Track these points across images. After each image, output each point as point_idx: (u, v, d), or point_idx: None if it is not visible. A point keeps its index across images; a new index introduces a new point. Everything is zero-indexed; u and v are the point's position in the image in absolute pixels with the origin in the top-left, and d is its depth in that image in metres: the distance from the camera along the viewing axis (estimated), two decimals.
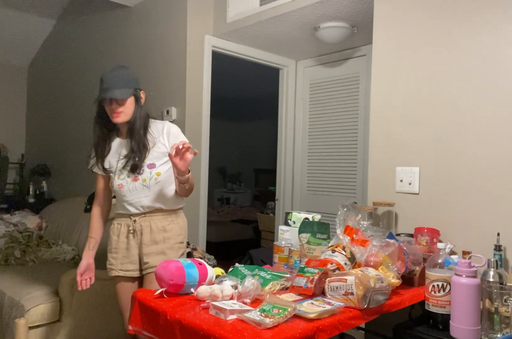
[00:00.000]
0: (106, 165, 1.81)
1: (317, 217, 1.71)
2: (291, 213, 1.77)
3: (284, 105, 3.53)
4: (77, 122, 4.09)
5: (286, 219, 1.79)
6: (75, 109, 4.13)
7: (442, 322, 1.29)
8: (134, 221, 1.80)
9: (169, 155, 1.59)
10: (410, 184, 1.86)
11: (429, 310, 1.32)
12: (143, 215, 1.80)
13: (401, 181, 1.89)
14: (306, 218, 1.69)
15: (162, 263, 1.31)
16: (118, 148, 1.81)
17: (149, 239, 1.78)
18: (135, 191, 1.77)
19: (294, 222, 1.74)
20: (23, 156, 4.92)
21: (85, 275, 1.91)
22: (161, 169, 1.78)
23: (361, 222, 1.49)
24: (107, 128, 1.81)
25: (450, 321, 1.24)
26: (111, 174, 1.82)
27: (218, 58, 3.13)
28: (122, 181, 1.79)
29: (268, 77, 3.98)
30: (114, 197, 1.94)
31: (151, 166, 1.76)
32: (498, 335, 1.19)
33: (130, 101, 1.74)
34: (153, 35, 3.17)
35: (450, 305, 1.25)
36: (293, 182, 3.54)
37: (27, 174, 4.75)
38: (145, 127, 1.77)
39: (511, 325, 1.20)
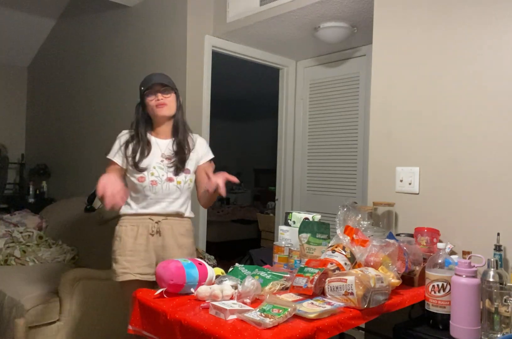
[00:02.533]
0: (144, 164, 1.77)
1: (317, 217, 1.71)
2: (291, 213, 1.77)
3: (284, 105, 3.53)
4: (77, 122, 4.09)
5: (286, 219, 1.79)
6: (75, 109, 4.13)
7: (442, 322, 1.29)
8: (157, 222, 1.77)
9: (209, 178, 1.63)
10: (410, 184, 1.86)
11: (429, 310, 1.32)
12: (165, 218, 1.78)
13: (401, 181, 1.89)
14: (306, 218, 1.69)
15: (162, 263, 1.31)
16: (156, 147, 1.82)
17: (172, 243, 1.77)
18: (167, 191, 1.77)
19: (294, 222, 1.74)
20: (23, 156, 4.92)
21: (111, 189, 1.46)
22: (192, 176, 1.84)
23: (361, 222, 1.49)
24: (147, 127, 1.84)
25: (450, 321, 1.24)
26: (143, 172, 1.77)
27: (218, 58, 3.13)
28: (157, 179, 1.77)
29: (268, 77, 3.98)
30: None
31: (187, 171, 1.81)
32: (498, 335, 1.19)
33: (173, 98, 1.81)
34: (153, 35, 3.17)
35: (450, 305, 1.25)
36: (293, 182, 3.54)
37: (27, 174, 4.75)
38: (186, 131, 1.85)
39: (511, 325, 1.20)
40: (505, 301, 1.20)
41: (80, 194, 3.72)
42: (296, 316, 1.08)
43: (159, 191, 1.76)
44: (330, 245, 1.43)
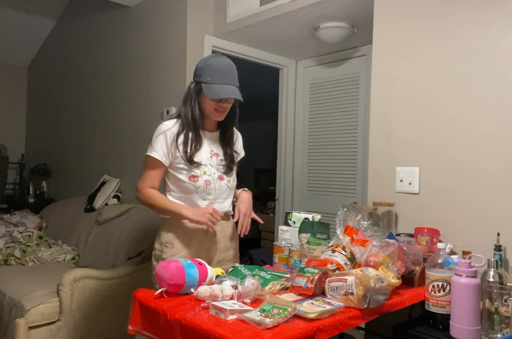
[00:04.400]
0: (197, 159, 1.63)
1: (317, 217, 1.71)
2: (291, 213, 1.77)
3: (284, 105, 3.53)
4: (77, 122, 4.09)
5: (286, 219, 1.79)
6: (75, 108, 4.13)
7: (442, 322, 1.29)
8: None
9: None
10: (410, 184, 1.86)
11: (429, 310, 1.32)
12: None
13: (401, 181, 1.89)
14: (306, 218, 1.69)
15: (162, 263, 1.31)
16: (206, 141, 1.69)
17: (223, 245, 1.73)
18: (219, 191, 1.68)
19: (294, 222, 1.74)
20: (23, 156, 4.91)
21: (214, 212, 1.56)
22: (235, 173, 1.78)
23: (361, 222, 1.49)
24: (198, 120, 1.64)
25: (450, 321, 1.24)
26: (192, 168, 1.62)
27: None
28: (209, 178, 1.65)
29: (268, 77, 3.98)
30: None
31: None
32: (498, 335, 1.19)
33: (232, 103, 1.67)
34: (153, 35, 3.17)
35: (450, 305, 1.25)
36: (293, 182, 3.54)
37: (27, 174, 4.75)
38: (235, 129, 1.79)
39: (511, 325, 1.20)
40: (505, 301, 1.20)
41: (80, 194, 3.72)
42: (296, 316, 1.08)
43: (212, 191, 1.65)
44: (330, 245, 1.43)
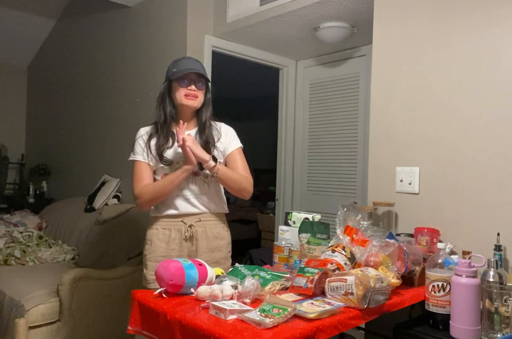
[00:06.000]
0: (168, 156, 1.68)
1: (317, 217, 1.71)
2: (291, 213, 1.77)
3: (284, 105, 3.53)
4: (77, 122, 4.09)
5: (286, 219, 1.78)
6: (75, 109, 4.13)
7: (442, 322, 1.29)
8: (190, 226, 1.69)
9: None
10: (410, 184, 1.86)
11: (429, 310, 1.32)
12: (198, 220, 1.71)
13: (401, 181, 1.89)
14: (306, 218, 1.69)
15: (162, 263, 1.31)
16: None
17: (205, 247, 1.71)
18: (194, 186, 1.69)
19: (294, 222, 1.74)
20: (23, 156, 4.91)
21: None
22: None
23: (361, 222, 1.49)
24: (171, 116, 1.72)
25: (450, 321, 1.24)
26: (164, 167, 1.68)
27: (218, 58, 3.13)
28: None
29: (268, 77, 3.98)
30: None
31: None
32: (498, 335, 1.19)
33: (204, 91, 1.73)
34: (153, 35, 3.17)
35: (450, 305, 1.25)
36: (293, 182, 3.54)
37: (27, 174, 4.75)
38: (210, 123, 1.76)
39: (511, 325, 1.20)
40: (505, 301, 1.20)
41: (80, 194, 3.72)
42: (296, 316, 1.08)
43: (185, 187, 1.68)
44: (330, 245, 1.43)
